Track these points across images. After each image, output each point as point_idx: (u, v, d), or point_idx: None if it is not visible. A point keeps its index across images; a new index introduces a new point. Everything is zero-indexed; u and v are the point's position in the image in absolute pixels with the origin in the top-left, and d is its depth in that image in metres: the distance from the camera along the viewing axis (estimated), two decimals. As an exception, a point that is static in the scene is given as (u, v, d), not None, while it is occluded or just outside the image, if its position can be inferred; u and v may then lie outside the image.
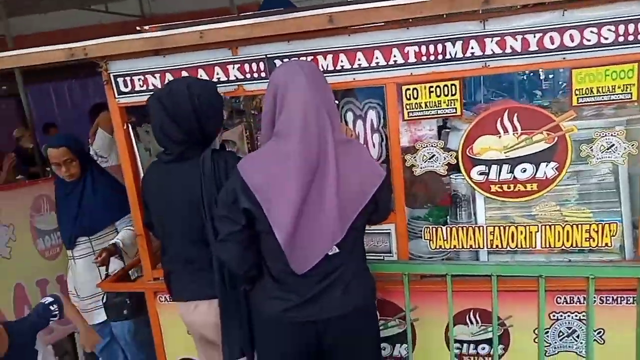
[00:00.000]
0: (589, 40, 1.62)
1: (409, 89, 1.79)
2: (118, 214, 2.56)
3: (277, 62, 1.84)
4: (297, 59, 1.82)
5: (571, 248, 1.82)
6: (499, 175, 1.82)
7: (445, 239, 1.93)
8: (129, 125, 2.08)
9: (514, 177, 1.80)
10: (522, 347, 1.92)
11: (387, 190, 1.67)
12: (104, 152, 3.78)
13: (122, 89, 2.01)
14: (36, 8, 7.13)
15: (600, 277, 1.69)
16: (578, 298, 1.84)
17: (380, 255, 2.00)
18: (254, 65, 1.88)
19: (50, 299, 2.05)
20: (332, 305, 1.52)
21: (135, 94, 2.01)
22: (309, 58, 1.82)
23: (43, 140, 6.50)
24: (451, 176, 1.98)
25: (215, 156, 1.70)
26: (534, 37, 1.65)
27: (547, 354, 1.89)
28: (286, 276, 1.52)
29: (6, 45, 5.69)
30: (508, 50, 1.67)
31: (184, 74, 1.93)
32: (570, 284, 1.80)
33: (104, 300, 2.34)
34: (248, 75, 1.90)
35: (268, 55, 1.85)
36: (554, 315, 1.87)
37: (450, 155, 1.85)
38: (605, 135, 1.71)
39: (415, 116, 1.82)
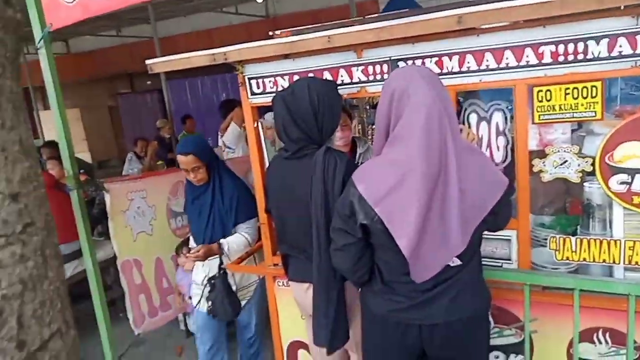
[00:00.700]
0: None
1: (541, 91, 1.69)
2: (242, 217, 2.59)
3: (401, 64, 1.85)
4: (412, 63, 1.82)
5: None
6: (644, 186, 1.65)
7: (574, 250, 1.79)
8: (260, 123, 2.25)
9: (663, 189, 1.61)
10: (661, 376, 1.73)
11: (508, 199, 1.59)
12: (233, 144, 4.15)
13: (255, 90, 2.18)
14: (178, 12, 7.91)
15: None
16: None
17: (499, 262, 1.92)
18: (377, 68, 1.91)
19: None
20: (438, 312, 1.51)
21: (266, 95, 2.16)
22: (434, 60, 1.80)
23: (180, 130, 7.28)
24: (585, 184, 1.83)
25: (327, 156, 1.76)
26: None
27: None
28: (397, 283, 1.54)
29: (154, 45, 6.42)
30: (664, 48, 1.50)
31: (310, 76, 2.03)
32: None
33: (209, 305, 2.52)
34: (371, 77, 1.94)
35: (392, 58, 1.87)
36: None
37: (586, 162, 1.71)
38: None
39: (547, 119, 1.71)
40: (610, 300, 1.74)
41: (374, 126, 3.47)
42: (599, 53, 1.57)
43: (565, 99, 1.66)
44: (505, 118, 1.86)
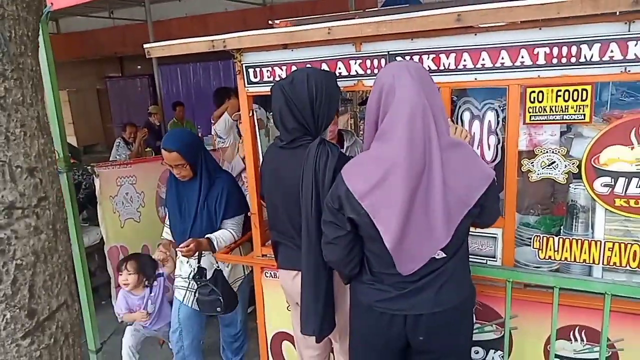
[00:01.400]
0: None
1: (533, 92, 1.73)
2: (229, 213, 2.54)
3: (399, 59, 1.88)
4: (410, 59, 1.85)
5: None
6: (626, 189, 1.70)
7: (556, 249, 1.85)
8: (254, 112, 2.26)
9: (645, 192, 1.67)
10: (633, 373, 1.80)
11: (494, 193, 1.61)
12: (224, 134, 4.17)
13: (252, 79, 2.19)
14: (172, -4, 7.82)
15: None
16: None
17: (483, 259, 1.97)
18: (375, 62, 1.94)
19: None
20: (423, 302, 1.55)
21: (263, 84, 2.17)
22: (431, 56, 1.83)
23: (170, 116, 7.23)
24: (570, 185, 1.88)
25: (320, 147, 1.78)
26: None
27: (664, 387, 1.75)
28: (385, 274, 1.58)
29: (146, 29, 6.35)
30: (653, 56, 1.55)
31: (308, 67, 2.05)
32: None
33: (196, 296, 2.48)
34: (369, 71, 1.96)
35: (390, 52, 1.89)
36: (676, 346, 1.72)
37: (572, 164, 1.77)
38: None
39: (537, 120, 1.76)
40: (587, 299, 1.80)
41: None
42: (591, 57, 1.62)
43: (556, 100, 1.70)
44: (498, 117, 1.90)
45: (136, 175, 3.53)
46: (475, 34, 1.75)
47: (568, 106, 1.70)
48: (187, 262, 2.60)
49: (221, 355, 3.01)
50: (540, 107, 1.73)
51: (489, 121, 1.91)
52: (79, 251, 2.67)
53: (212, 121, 4.47)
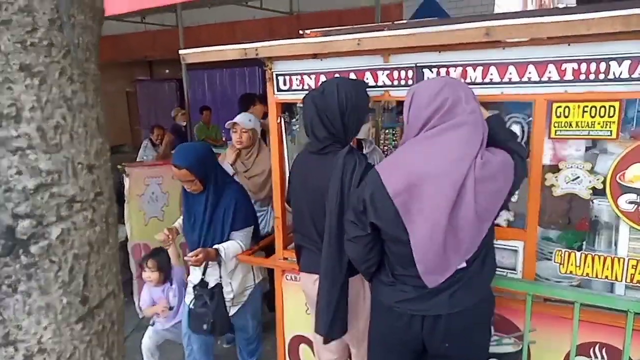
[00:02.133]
0: None
1: (560, 107, 1.74)
2: (238, 225, 2.57)
3: (426, 71, 1.92)
4: (438, 71, 1.89)
5: None
6: (653, 207, 1.70)
7: (578, 265, 1.84)
8: (282, 119, 2.32)
9: (671, 211, 1.66)
10: (655, 394, 1.77)
11: (521, 169, 1.62)
12: None
13: (281, 86, 2.25)
14: (203, 2, 7.99)
15: None
16: None
17: (503, 271, 1.98)
18: (402, 73, 1.97)
19: None
20: (442, 303, 1.58)
21: (291, 92, 2.23)
22: (458, 69, 1.86)
23: (196, 120, 7.37)
24: (594, 201, 1.88)
25: (348, 156, 1.83)
26: None
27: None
28: (406, 276, 1.61)
29: (176, 34, 6.51)
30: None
31: (337, 76, 2.10)
32: None
33: (190, 305, 2.52)
34: (395, 82, 2.00)
35: (417, 64, 1.93)
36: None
37: (597, 179, 1.77)
38: None
39: (562, 135, 1.77)
40: (609, 316, 1.78)
41: (387, 130, 3.53)
42: (620, 74, 1.62)
43: (582, 116, 1.71)
44: (523, 131, 1.91)
45: (163, 175, 3.63)
46: (504, 48, 1.77)
47: (594, 122, 1.70)
48: (200, 269, 2.61)
49: (238, 356, 3.06)
50: (566, 122, 1.74)
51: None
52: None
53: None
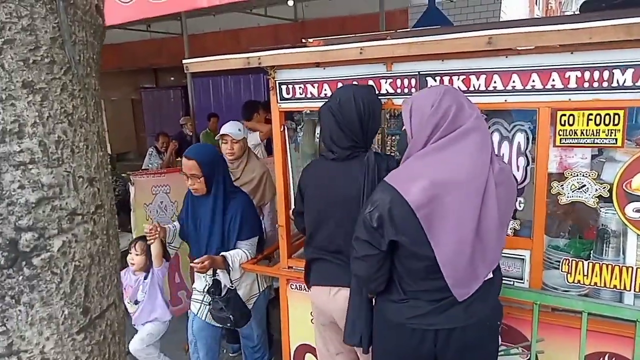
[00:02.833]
0: None
1: (564, 115, 1.74)
2: (245, 234, 2.56)
3: (429, 79, 1.92)
4: (441, 79, 1.89)
5: None
6: (660, 216, 1.68)
7: (585, 274, 1.83)
8: (285, 127, 2.32)
9: (679, 219, 1.65)
10: (665, 405, 1.75)
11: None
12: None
13: (285, 95, 2.25)
14: (208, 10, 8.05)
15: None
16: None
17: (510, 280, 1.96)
18: (405, 81, 1.97)
19: None
20: (456, 316, 1.55)
21: (294, 101, 2.24)
22: (462, 77, 1.86)
23: (202, 128, 7.40)
24: (601, 209, 1.86)
25: (377, 158, 1.85)
26: None
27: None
28: (421, 292, 1.57)
29: (181, 42, 6.56)
30: (688, 82, 1.54)
31: (339, 85, 2.10)
32: None
33: (209, 306, 2.52)
34: (399, 90, 2.00)
35: (421, 72, 1.93)
36: None
37: (603, 188, 1.75)
38: None
39: (567, 143, 1.76)
40: (618, 326, 1.76)
41: (394, 137, 3.53)
42: (624, 82, 1.62)
43: (587, 124, 1.70)
44: (527, 139, 1.91)
45: (170, 184, 3.63)
46: (506, 56, 1.77)
47: (599, 130, 1.69)
48: (204, 276, 2.62)
49: None
50: (571, 130, 1.73)
51: (519, 142, 1.91)
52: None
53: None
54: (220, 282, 2.48)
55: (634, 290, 1.77)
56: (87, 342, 0.72)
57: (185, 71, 2.33)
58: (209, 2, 2.90)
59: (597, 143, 1.72)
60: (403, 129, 1.63)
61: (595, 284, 1.82)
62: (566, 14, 2.58)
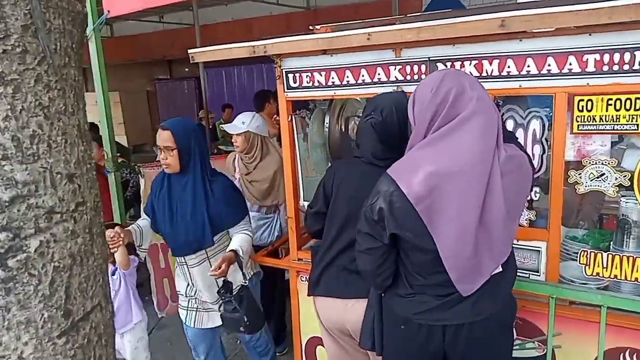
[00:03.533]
0: None
1: (582, 100, 1.65)
2: (237, 218, 2.35)
3: (440, 65, 1.84)
4: (452, 65, 1.81)
5: None
6: (685, 205, 1.60)
7: (605, 266, 1.75)
8: (293, 117, 2.28)
9: None
10: (689, 403, 1.68)
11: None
12: None
13: (291, 84, 2.21)
14: (220, 0, 8.02)
15: None
16: None
17: (526, 273, 1.90)
18: (415, 68, 1.91)
19: None
20: (464, 311, 1.49)
21: (302, 89, 2.19)
22: (474, 62, 1.78)
23: (218, 119, 7.41)
24: (621, 199, 1.78)
25: None
26: None
27: None
28: (427, 286, 1.53)
29: (194, 32, 6.54)
30: None
31: (348, 73, 2.04)
32: None
33: (220, 310, 2.28)
34: (408, 77, 1.93)
35: (431, 58, 1.86)
36: None
37: (624, 176, 1.67)
38: None
39: (585, 130, 1.68)
40: (639, 321, 1.69)
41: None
42: (647, 64, 1.53)
43: (606, 109, 1.62)
44: (543, 126, 1.83)
45: (179, 175, 3.62)
46: (521, 40, 1.69)
47: (619, 116, 1.61)
48: (183, 274, 2.42)
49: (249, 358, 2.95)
50: (589, 116, 1.65)
51: (534, 130, 1.84)
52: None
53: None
54: (231, 283, 2.26)
55: (657, 284, 1.69)
56: (69, 346, 0.69)
57: (191, 61, 2.29)
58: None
59: (617, 129, 1.63)
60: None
61: (615, 276, 1.74)
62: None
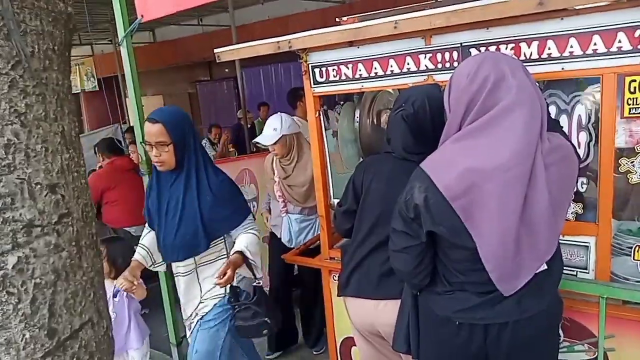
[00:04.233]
0: None
1: (634, 80, 1.50)
2: (240, 219, 2.07)
3: (473, 51, 1.73)
4: (486, 50, 1.69)
5: None
6: None
7: (664, 262, 1.59)
8: (321, 113, 2.21)
9: None
10: None
11: None
12: None
13: (318, 79, 2.15)
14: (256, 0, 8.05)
15: None
16: None
17: (573, 270, 1.75)
18: (446, 55, 1.80)
19: None
20: (508, 309, 1.40)
21: (329, 84, 2.12)
22: (510, 46, 1.66)
23: (255, 118, 7.45)
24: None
25: None
26: None
27: None
28: (467, 283, 1.44)
29: (231, 34, 6.60)
30: None
31: (376, 64, 1.96)
32: None
33: (235, 322, 2.05)
34: (440, 65, 1.83)
35: (463, 44, 1.74)
36: None
37: (683, 163, 1.51)
38: None
39: (639, 113, 1.52)
40: None
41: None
42: None
43: (662, 90, 1.46)
44: (589, 111, 1.67)
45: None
46: (562, 18, 1.55)
47: (677, 96, 1.44)
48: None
49: None
50: (642, 98, 1.49)
51: (579, 116, 1.69)
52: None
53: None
54: (239, 289, 2.06)
55: None
56: (55, 367, 0.65)
57: (217, 61, 2.27)
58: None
59: (674, 112, 1.47)
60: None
61: (676, 273, 1.58)
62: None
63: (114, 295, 2.31)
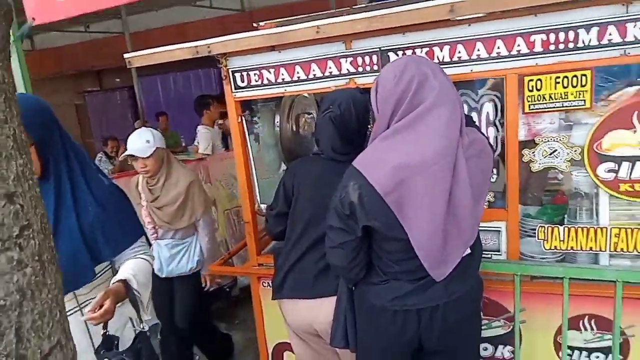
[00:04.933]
0: None
1: (531, 80, 1.69)
2: (128, 240, 1.61)
3: (391, 55, 1.83)
4: (403, 54, 1.80)
5: None
6: (631, 173, 1.67)
7: (562, 239, 1.81)
8: (243, 118, 2.18)
9: (650, 175, 1.64)
10: (645, 359, 1.77)
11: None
12: (207, 150, 4.17)
13: (239, 83, 2.11)
14: (150, 6, 7.68)
15: None
16: None
17: (488, 254, 1.93)
18: (366, 59, 1.88)
19: None
20: (437, 293, 1.50)
21: (250, 89, 2.10)
22: (425, 50, 1.78)
23: (154, 127, 7.07)
24: (572, 172, 1.85)
25: None
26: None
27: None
28: (400, 272, 1.52)
29: (124, 41, 6.23)
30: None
31: (298, 68, 1.99)
32: None
33: None
34: (360, 69, 1.90)
35: (382, 48, 1.84)
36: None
37: (574, 151, 1.73)
38: None
39: (537, 109, 1.72)
40: (595, 287, 1.76)
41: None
42: (589, 41, 1.59)
43: (555, 88, 1.67)
44: (496, 108, 1.86)
45: (121, 190, 3.41)
46: (469, 25, 1.71)
47: (567, 93, 1.66)
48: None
49: None
50: (539, 95, 1.69)
51: (487, 112, 1.86)
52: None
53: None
54: (114, 337, 1.54)
55: (609, 251, 1.76)
56: (26, 398, 0.57)
57: (127, 66, 2.14)
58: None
59: (565, 106, 1.69)
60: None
61: (572, 248, 1.81)
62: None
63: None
